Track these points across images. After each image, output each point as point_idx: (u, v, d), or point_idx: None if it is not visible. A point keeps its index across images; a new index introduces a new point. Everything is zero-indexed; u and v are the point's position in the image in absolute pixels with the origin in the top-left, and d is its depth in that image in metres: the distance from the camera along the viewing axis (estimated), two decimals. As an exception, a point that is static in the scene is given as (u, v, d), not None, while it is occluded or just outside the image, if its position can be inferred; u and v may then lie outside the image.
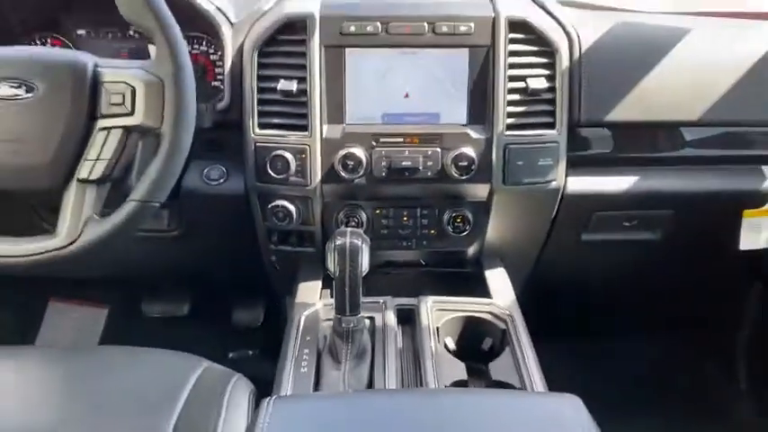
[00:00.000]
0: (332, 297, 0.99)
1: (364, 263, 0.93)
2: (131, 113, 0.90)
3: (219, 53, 1.19)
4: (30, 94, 0.89)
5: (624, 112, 1.15)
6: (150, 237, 1.18)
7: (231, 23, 1.15)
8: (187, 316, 1.72)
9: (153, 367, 1.03)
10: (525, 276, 1.33)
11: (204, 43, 1.21)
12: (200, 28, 1.17)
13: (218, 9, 1.14)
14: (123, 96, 0.90)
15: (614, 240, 1.29)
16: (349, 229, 0.97)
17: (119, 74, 0.91)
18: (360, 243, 0.92)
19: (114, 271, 1.36)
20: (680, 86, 1.16)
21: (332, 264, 0.93)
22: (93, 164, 0.91)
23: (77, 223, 0.91)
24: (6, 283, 1.52)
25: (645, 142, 1.23)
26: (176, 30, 0.90)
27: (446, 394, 0.82)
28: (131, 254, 1.11)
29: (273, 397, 0.68)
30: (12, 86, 0.89)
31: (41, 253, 0.90)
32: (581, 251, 1.31)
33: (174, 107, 0.90)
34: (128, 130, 0.91)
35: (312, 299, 1.12)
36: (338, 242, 0.92)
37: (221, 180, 1.19)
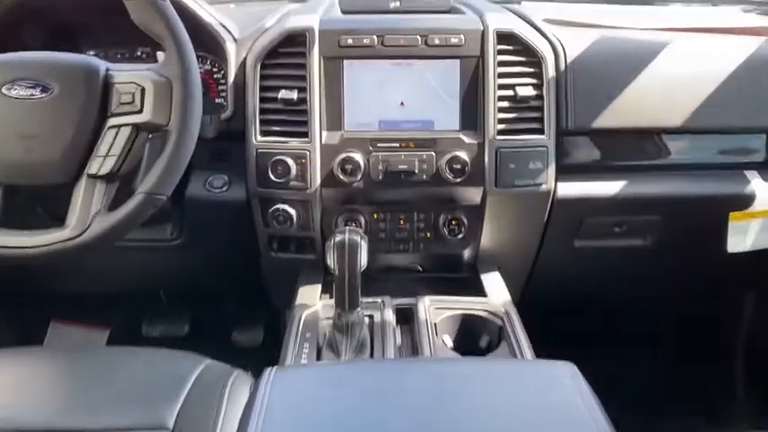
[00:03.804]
0: (331, 298, 0.99)
1: (363, 258, 0.94)
2: (140, 111, 0.93)
3: (222, 72, 1.22)
4: (45, 95, 0.91)
5: (609, 119, 1.17)
6: (153, 246, 1.18)
7: (235, 39, 1.18)
8: (187, 336, 1.70)
9: (155, 365, 1.03)
10: (522, 284, 1.32)
11: (208, 62, 1.23)
12: (204, 46, 1.19)
13: (222, 25, 1.18)
14: (133, 95, 0.93)
15: (607, 247, 1.28)
16: (348, 227, 0.98)
17: (129, 75, 0.94)
18: (358, 239, 0.94)
19: (118, 284, 1.34)
20: (661, 95, 1.19)
21: (332, 260, 0.94)
22: (103, 160, 0.93)
23: (86, 216, 0.92)
24: (7, 302, 1.53)
25: (631, 149, 1.24)
26: (184, 34, 0.93)
27: (443, 363, 0.81)
28: (135, 264, 1.12)
29: (275, 367, 0.68)
30: (27, 87, 0.91)
31: (51, 244, 0.91)
32: (575, 259, 1.31)
33: (181, 105, 0.92)
34: (136, 127, 0.93)
35: (312, 301, 1.11)
36: (338, 239, 0.94)
37: (224, 188, 1.21)
